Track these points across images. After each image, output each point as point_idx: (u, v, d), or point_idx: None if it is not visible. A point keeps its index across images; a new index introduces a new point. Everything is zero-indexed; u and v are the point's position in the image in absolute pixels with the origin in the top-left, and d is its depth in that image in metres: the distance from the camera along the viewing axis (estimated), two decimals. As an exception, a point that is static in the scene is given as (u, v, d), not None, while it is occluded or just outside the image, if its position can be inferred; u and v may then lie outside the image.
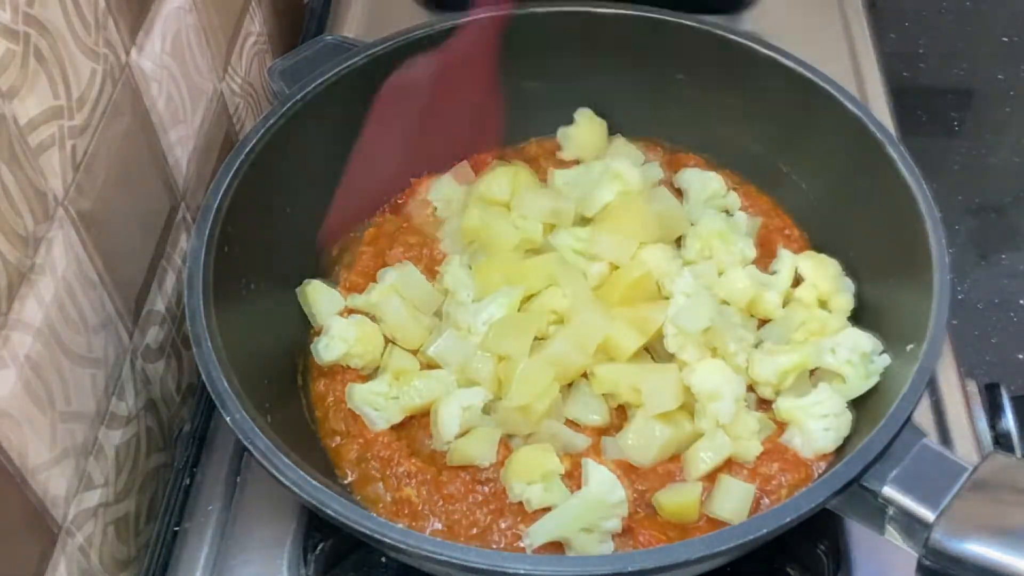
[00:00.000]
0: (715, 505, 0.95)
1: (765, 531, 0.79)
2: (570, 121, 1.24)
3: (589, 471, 0.94)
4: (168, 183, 1.12)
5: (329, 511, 0.82)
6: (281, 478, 0.84)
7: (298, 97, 1.09)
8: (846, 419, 0.97)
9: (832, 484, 0.81)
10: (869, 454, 0.82)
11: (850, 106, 1.06)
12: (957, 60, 1.65)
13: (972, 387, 1.14)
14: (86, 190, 0.94)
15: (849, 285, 1.09)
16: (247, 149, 1.03)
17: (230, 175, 1.01)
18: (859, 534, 0.99)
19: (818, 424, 0.97)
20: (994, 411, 1.12)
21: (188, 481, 1.08)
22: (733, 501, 0.94)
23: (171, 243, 1.13)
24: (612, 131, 1.25)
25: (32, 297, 0.85)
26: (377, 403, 1.01)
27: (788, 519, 0.80)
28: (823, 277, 1.08)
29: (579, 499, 0.93)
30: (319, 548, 1.02)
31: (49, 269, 0.88)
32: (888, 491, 0.82)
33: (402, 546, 0.79)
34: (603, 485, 0.93)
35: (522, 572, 0.77)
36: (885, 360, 0.98)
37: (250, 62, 1.36)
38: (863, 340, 1.00)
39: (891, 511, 0.83)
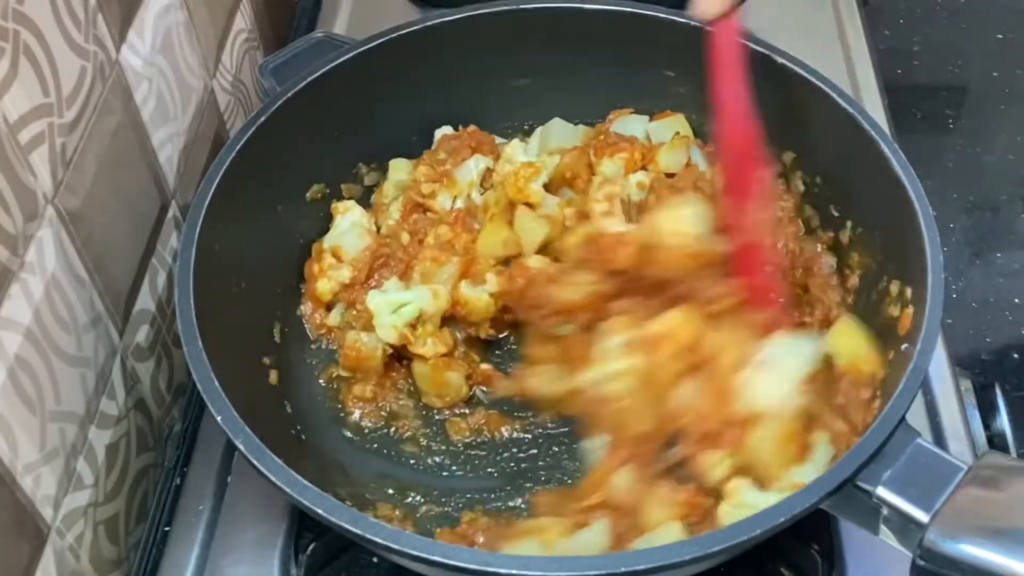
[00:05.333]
0: None
1: (758, 531, 0.78)
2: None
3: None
4: (158, 181, 1.11)
5: (319, 511, 0.81)
6: (271, 477, 0.83)
7: (288, 94, 1.08)
8: None
9: (826, 485, 0.81)
10: (863, 454, 0.81)
11: (843, 103, 1.05)
12: (951, 57, 1.65)
13: (966, 386, 1.13)
14: (75, 188, 0.93)
15: None
16: (237, 147, 1.03)
17: (220, 173, 1.01)
18: (853, 535, 0.99)
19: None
20: (988, 411, 1.12)
21: (178, 481, 1.07)
22: None
23: (161, 241, 1.12)
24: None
25: (21, 296, 0.85)
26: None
27: (781, 519, 0.79)
28: None
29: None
30: (310, 548, 1.01)
31: (38, 267, 0.88)
32: (882, 492, 0.81)
33: (392, 546, 0.78)
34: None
35: (512, 572, 0.76)
36: None
37: (240, 59, 1.36)
38: None
39: (885, 512, 0.82)
